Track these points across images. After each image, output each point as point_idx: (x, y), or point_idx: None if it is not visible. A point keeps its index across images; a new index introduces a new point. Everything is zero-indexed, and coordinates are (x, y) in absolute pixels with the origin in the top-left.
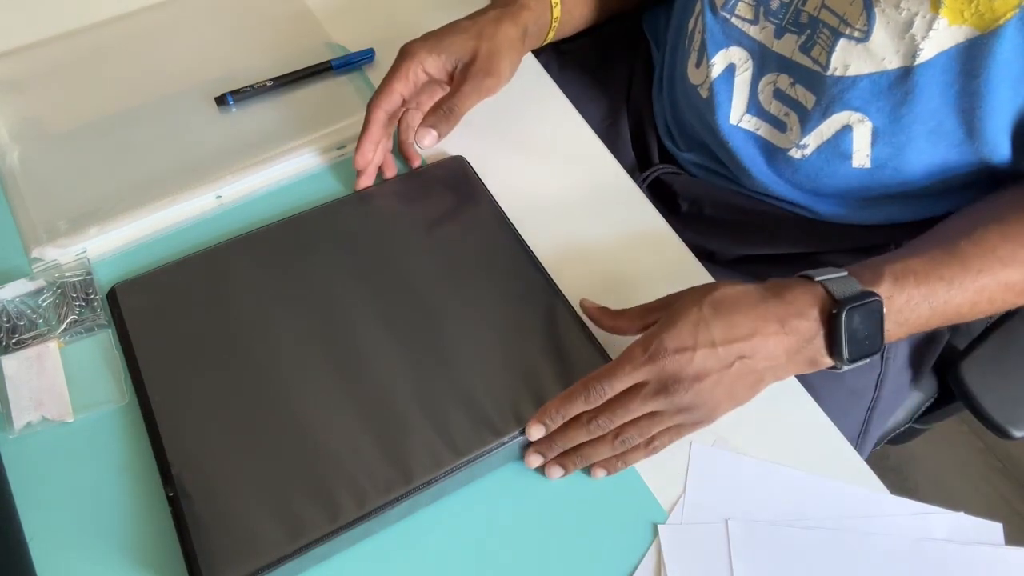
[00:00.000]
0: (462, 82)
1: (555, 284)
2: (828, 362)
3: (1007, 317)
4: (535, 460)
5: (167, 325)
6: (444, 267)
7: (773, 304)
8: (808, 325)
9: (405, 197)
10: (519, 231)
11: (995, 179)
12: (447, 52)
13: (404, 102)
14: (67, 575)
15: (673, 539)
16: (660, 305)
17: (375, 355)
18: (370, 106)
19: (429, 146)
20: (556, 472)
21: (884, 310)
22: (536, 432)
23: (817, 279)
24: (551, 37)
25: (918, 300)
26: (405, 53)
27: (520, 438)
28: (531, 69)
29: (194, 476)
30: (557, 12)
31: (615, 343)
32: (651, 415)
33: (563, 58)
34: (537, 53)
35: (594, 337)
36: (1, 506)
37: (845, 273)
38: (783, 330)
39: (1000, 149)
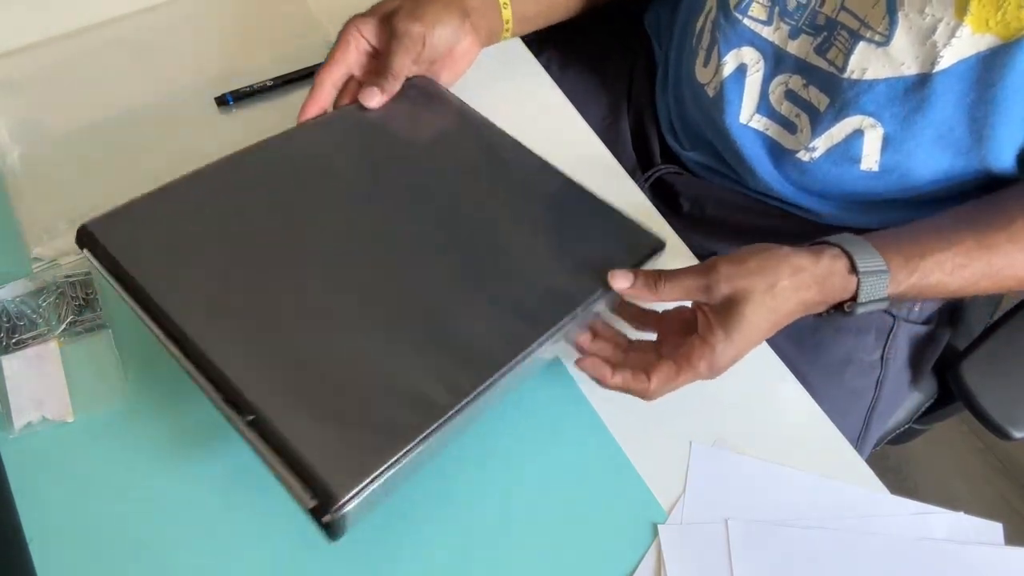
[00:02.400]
0: (391, 39)
1: (562, 172)
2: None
3: (1007, 317)
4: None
5: (169, 253)
6: (453, 170)
7: (814, 296)
8: (822, 311)
9: (385, 114)
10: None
11: (996, 186)
12: (376, 11)
13: (352, 76)
14: (67, 575)
15: (673, 539)
16: (714, 284)
17: (417, 253)
18: (316, 76)
19: (376, 105)
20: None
21: (889, 301)
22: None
23: (860, 273)
24: (509, 17)
25: (931, 294)
26: (346, 23)
27: (590, 304)
28: (531, 68)
29: (272, 393)
30: None
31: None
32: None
33: (563, 57)
34: (537, 53)
35: (627, 215)
36: (1, 506)
37: (886, 270)
38: (807, 312)
39: (1004, 157)
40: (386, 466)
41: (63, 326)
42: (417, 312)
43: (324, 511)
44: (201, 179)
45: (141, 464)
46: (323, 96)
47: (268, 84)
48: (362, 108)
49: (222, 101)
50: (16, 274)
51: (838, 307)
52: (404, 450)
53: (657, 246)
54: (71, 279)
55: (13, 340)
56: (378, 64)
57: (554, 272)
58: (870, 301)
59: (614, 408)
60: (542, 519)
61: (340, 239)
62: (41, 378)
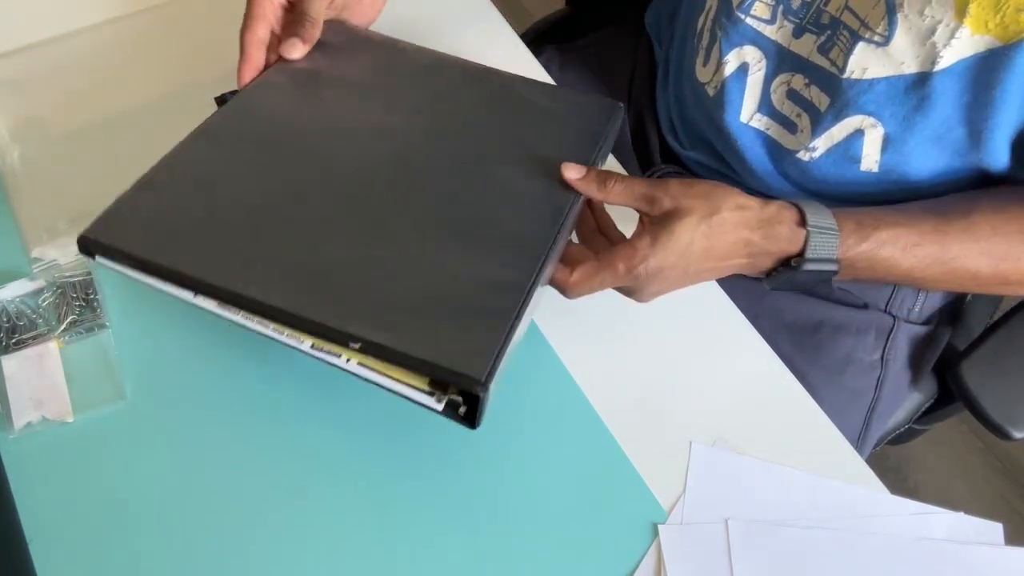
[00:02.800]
0: None
1: (494, 69)
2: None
3: (1007, 318)
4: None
5: (175, 230)
6: (412, 99)
7: (757, 240)
8: (769, 265)
9: (316, 61)
10: None
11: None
12: None
13: (273, 32)
14: (67, 575)
15: (673, 539)
16: (660, 196)
17: (423, 174)
18: (241, 39)
19: (300, 56)
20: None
21: (837, 276)
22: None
23: (808, 227)
24: None
25: (882, 271)
26: None
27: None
28: (531, 69)
29: (358, 318)
30: None
31: (640, 354)
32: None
33: (564, 56)
34: (537, 52)
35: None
36: (1, 506)
37: (836, 229)
38: (749, 263)
39: (1000, 158)
40: (503, 340)
41: (63, 326)
42: (451, 219)
43: (472, 395)
44: (176, 159)
45: (141, 464)
46: (254, 58)
47: None
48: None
49: (222, 101)
50: (16, 274)
51: (785, 264)
52: (510, 324)
53: (611, 107)
54: (71, 279)
55: (13, 340)
56: (294, 14)
57: (545, 167)
58: (818, 259)
59: (614, 408)
60: (542, 519)
61: (346, 173)
62: (41, 378)
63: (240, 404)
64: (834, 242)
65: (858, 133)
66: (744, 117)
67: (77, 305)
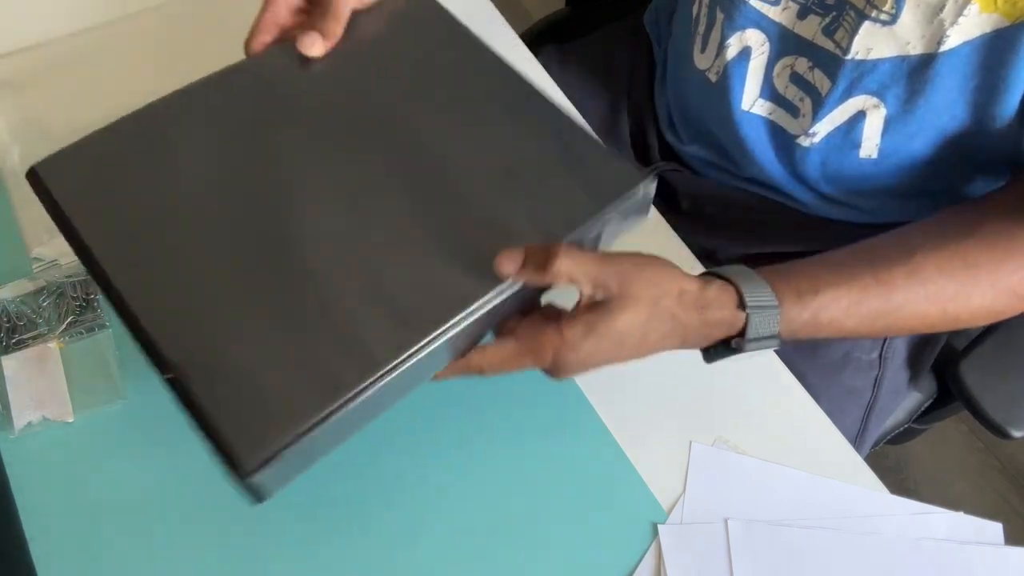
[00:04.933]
0: None
1: (551, 100)
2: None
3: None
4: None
5: (111, 197)
6: (426, 95)
7: (695, 325)
8: (705, 345)
9: (365, 30)
10: None
11: (992, 177)
12: None
13: (283, 34)
14: (67, 575)
15: (673, 539)
16: (607, 281)
17: (372, 190)
18: (246, 46)
19: (318, 53)
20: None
21: (780, 339)
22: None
23: (748, 309)
24: None
25: (826, 333)
26: None
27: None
28: (531, 68)
29: (193, 352)
30: None
31: None
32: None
33: (563, 56)
34: (537, 52)
35: (608, 148)
36: (1, 506)
37: (776, 305)
38: (683, 344)
39: (1003, 141)
40: (299, 433)
41: (63, 326)
42: (356, 263)
43: (236, 477)
44: (156, 113)
45: (141, 464)
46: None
47: None
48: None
49: None
50: (16, 274)
51: (725, 343)
52: (316, 418)
53: (639, 175)
54: (71, 279)
55: (13, 340)
56: (317, 9)
57: (512, 227)
58: (760, 338)
59: (614, 408)
60: (542, 519)
61: (286, 186)
62: (41, 378)
63: None
64: (775, 318)
65: (860, 115)
66: (746, 103)
67: (77, 305)
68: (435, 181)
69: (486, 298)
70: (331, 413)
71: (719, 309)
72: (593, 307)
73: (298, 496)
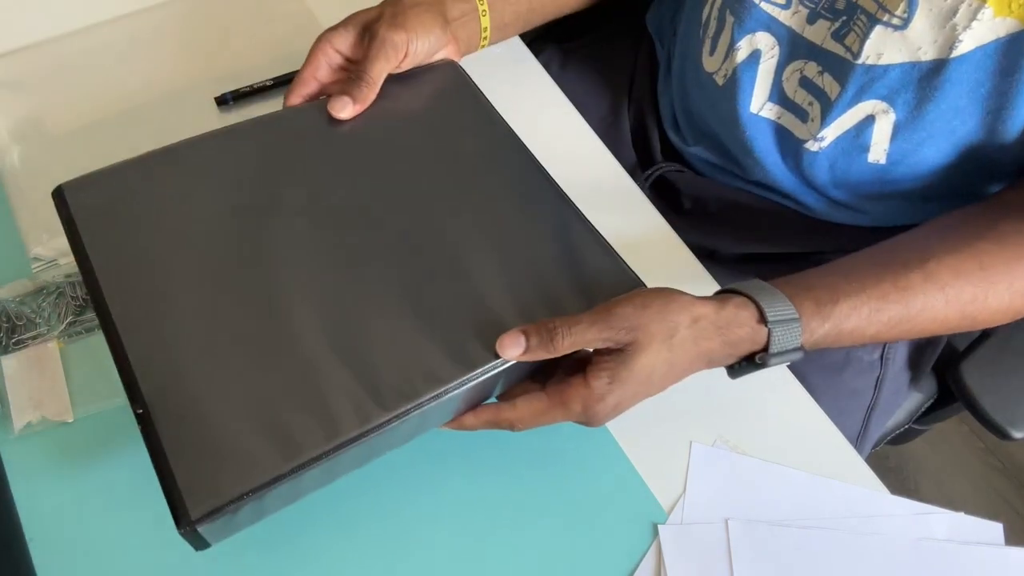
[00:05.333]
0: (370, 46)
1: (563, 192)
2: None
3: None
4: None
5: (125, 227)
6: (440, 170)
7: (718, 347)
8: (730, 363)
9: (394, 97)
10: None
11: (1002, 182)
12: (351, 21)
13: (322, 88)
14: (67, 575)
15: (673, 539)
16: (615, 334)
17: (370, 258)
18: (285, 99)
19: (347, 116)
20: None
21: (803, 351)
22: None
23: (769, 324)
24: (487, 25)
25: (848, 341)
26: (318, 38)
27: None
28: (531, 68)
29: (166, 391)
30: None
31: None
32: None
33: (563, 56)
34: (537, 52)
35: (612, 249)
36: (1, 506)
37: (797, 318)
38: (709, 366)
39: (1015, 148)
40: (249, 490)
41: (63, 326)
42: (339, 327)
43: (179, 524)
44: (183, 152)
45: (141, 464)
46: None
47: (268, 84)
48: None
49: (222, 101)
50: (16, 274)
51: (749, 358)
52: (269, 478)
53: (632, 287)
54: (71, 279)
55: (13, 340)
56: (352, 73)
57: (506, 307)
58: (783, 352)
59: None
60: (542, 519)
61: (286, 242)
62: (41, 378)
63: None
64: (797, 331)
65: (869, 120)
66: (754, 107)
67: (77, 305)
68: (432, 257)
69: (461, 380)
70: (286, 475)
71: (739, 327)
72: (612, 354)
73: None
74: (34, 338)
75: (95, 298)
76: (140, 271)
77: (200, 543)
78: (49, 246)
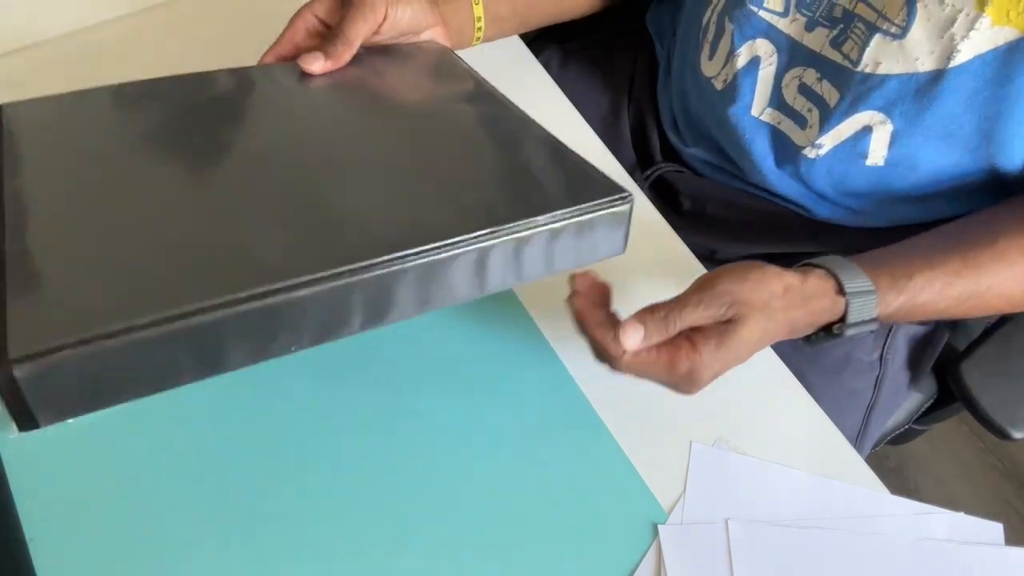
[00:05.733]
0: (348, 6)
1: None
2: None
3: (1007, 317)
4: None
5: (51, 151)
6: (403, 121)
7: (801, 317)
8: (808, 333)
9: (372, 67)
10: None
11: (1004, 184)
12: None
13: (298, 51)
14: (67, 575)
15: (673, 539)
16: (721, 311)
17: (270, 175)
18: (261, 60)
19: (318, 71)
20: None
21: (878, 323)
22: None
23: (847, 295)
24: (480, 15)
25: (919, 315)
26: (300, 8)
27: (486, 242)
28: (530, 68)
29: (27, 239)
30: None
31: None
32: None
33: (563, 57)
34: (537, 52)
35: (593, 166)
36: (1, 506)
37: (873, 290)
38: (789, 336)
39: (1014, 155)
40: (78, 341)
41: None
42: (271, 194)
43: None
44: (134, 91)
45: (141, 464)
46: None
47: None
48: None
49: None
50: None
51: (827, 329)
52: (103, 332)
53: (615, 194)
54: None
55: None
56: (328, 34)
57: (475, 195)
58: (860, 322)
59: (614, 408)
60: (542, 519)
61: (197, 168)
62: None
63: (240, 403)
64: (873, 302)
65: (866, 130)
66: (755, 111)
67: None
68: (403, 150)
69: (418, 249)
70: (122, 331)
71: (821, 298)
72: (717, 324)
73: (300, 496)
74: None
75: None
76: (44, 185)
77: (23, 409)
78: None
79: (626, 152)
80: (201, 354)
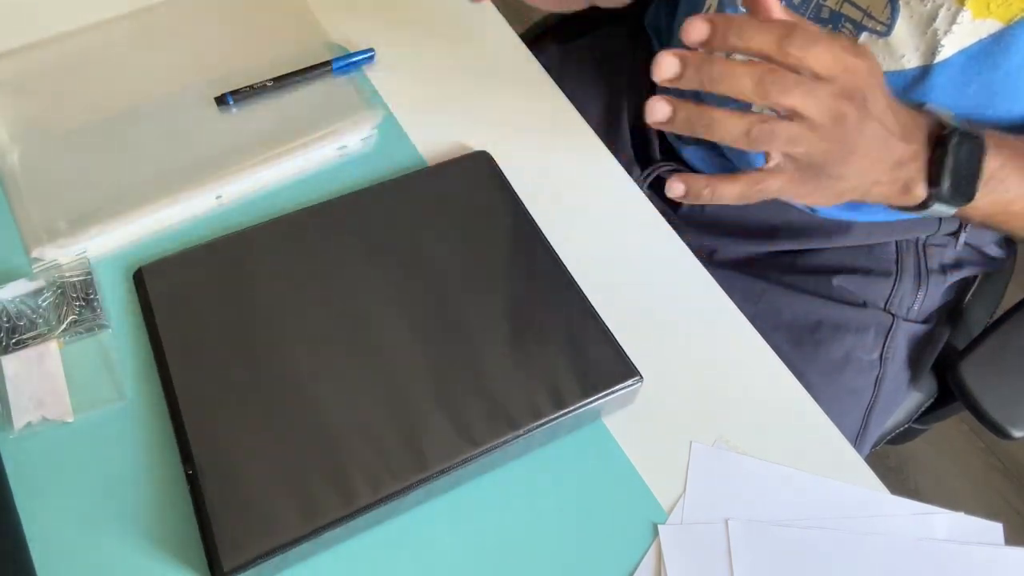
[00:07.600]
0: None
1: (577, 285)
2: (921, 193)
3: (1007, 317)
4: (661, 108)
5: (192, 308)
6: (465, 260)
7: (909, 123)
8: (909, 147)
9: (429, 189)
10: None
11: None
12: None
13: None
14: (67, 575)
15: (673, 539)
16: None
17: (395, 343)
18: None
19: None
20: (662, 112)
21: (984, 159)
22: (698, 30)
23: (956, 122)
24: None
25: (1007, 173)
26: None
27: (534, 432)
28: (530, 68)
29: (214, 456)
30: None
31: (639, 354)
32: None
33: (564, 56)
34: (537, 52)
35: (614, 339)
36: (1, 506)
37: (982, 135)
38: (904, 140)
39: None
40: (289, 541)
41: (63, 326)
42: (380, 402)
43: (212, 574)
44: (242, 239)
45: (141, 464)
46: None
47: (268, 84)
48: (414, 177)
49: (222, 101)
50: (16, 274)
51: (931, 157)
52: (291, 538)
53: (631, 377)
54: (71, 279)
55: (13, 340)
56: None
57: (512, 391)
58: (966, 131)
59: (613, 408)
60: (541, 519)
61: (333, 324)
62: (41, 378)
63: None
64: (981, 145)
65: None
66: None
67: (77, 305)
68: (450, 346)
69: (464, 457)
70: (306, 536)
71: (928, 114)
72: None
73: None
74: (34, 338)
75: (163, 372)
76: (201, 350)
77: None
78: (49, 246)
79: (625, 151)
80: (353, 531)
